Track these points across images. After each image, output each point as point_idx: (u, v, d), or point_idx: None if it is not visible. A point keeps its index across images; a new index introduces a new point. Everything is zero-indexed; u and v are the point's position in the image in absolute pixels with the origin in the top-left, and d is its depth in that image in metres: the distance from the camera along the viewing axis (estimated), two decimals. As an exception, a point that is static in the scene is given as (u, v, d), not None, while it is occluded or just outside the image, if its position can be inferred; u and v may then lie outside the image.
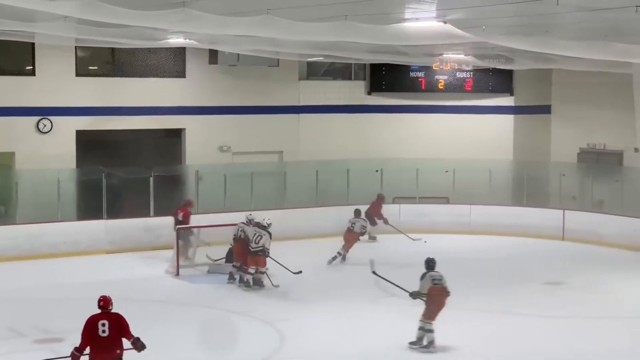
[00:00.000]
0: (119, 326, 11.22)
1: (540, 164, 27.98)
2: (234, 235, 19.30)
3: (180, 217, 20.87)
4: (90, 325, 11.17)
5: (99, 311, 11.31)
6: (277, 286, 18.52)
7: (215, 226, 20.34)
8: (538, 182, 27.04)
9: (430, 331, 14.41)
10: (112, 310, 11.31)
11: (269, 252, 18.40)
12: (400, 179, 26.36)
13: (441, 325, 15.53)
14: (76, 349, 11.24)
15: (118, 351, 11.17)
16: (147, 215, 23.11)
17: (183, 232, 20.14)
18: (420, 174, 26.05)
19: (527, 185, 26.30)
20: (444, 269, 20.68)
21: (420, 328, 14.47)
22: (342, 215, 23.85)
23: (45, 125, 24.39)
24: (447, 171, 26.20)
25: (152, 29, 17.33)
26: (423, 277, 14.60)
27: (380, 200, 24.81)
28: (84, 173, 24.23)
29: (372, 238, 24.27)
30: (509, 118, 28.92)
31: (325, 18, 14.92)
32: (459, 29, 15.16)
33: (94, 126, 25.10)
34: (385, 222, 24.35)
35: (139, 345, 11.31)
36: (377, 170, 26.12)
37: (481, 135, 28.68)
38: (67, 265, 20.40)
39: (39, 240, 21.54)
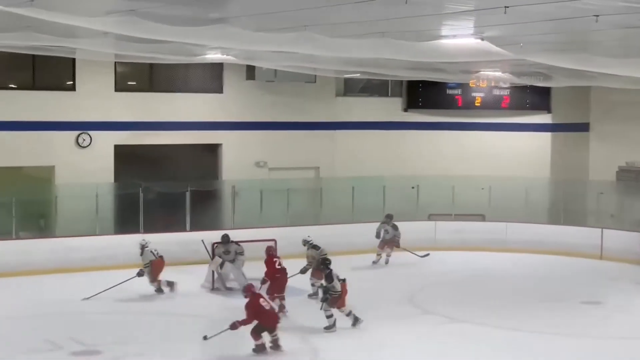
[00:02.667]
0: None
1: (578, 182, 27.73)
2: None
3: None
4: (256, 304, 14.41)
5: None
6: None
7: (252, 241, 20.35)
8: (576, 201, 26.82)
9: (350, 312, 16.51)
10: None
11: None
12: (436, 196, 26.25)
13: (476, 344, 15.51)
14: (239, 322, 14.55)
15: None
16: (183, 230, 23.21)
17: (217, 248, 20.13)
18: (456, 191, 25.93)
19: (565, 204, 26.08)
20: (479, 287, 20.76)
21: (348, 314, 16.46)
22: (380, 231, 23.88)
23: (84, 140, 24.63)
24: (483, 188, 26.05)
25: (190, 45, 17.45)
26: (330, 277, 16.32)
27: None
28: (121, 187, 24.43)
29: None
30: (547, 136, 28.76)
31: (363, 35, 14.94)
32: (497, 46, 15.10)
33: (132, 141, 25.31)
34: None
35: None
36: (413, 187, 26.04)
37: (518, 153, 28.54)
38: (104, 278, 20.48)
39: (78, 253, 21.68)
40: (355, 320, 16.47)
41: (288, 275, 17.97)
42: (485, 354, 15.20)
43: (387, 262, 23.15)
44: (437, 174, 26.96)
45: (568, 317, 17.79)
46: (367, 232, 23.94)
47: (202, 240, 20.32)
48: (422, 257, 23.09)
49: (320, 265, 17.19)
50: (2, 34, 16.50)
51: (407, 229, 24.84)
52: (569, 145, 28.89)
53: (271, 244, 18.96)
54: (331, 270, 16.45)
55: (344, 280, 16.41)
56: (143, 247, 19.36)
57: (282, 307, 17.27)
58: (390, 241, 23.16)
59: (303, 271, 18.95)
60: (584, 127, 29.03)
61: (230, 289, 19.76)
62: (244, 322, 14.50)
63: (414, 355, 15.17)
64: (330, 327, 16.25)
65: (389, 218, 23.24)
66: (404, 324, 17.13)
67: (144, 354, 14.75)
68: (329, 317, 16.27)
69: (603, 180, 27.19)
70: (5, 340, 15.59)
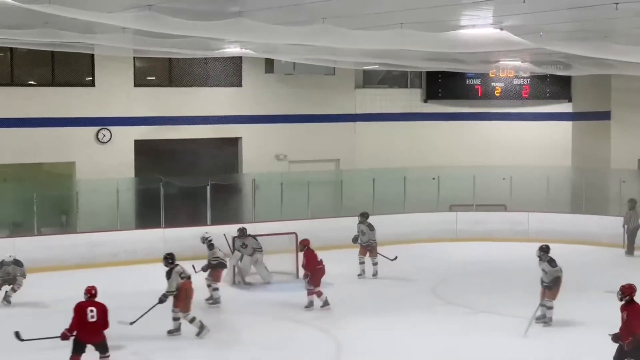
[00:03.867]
0: (104, 313, 13.16)
1: (599, 171, 27.58)
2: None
3: None
4: (80, 311, 13.13)
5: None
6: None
7: (272, 235, 20.39)
8: (597, 190, 26.62)
9: (194, 319, 15.52)
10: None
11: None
12: (457, 187, 26.20)
13: (498, 334, 15.46)
14: (67, 329, 13.10)
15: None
16: (204, 224, 23.21)
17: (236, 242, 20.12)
18: (477, 182, 25.87)
19: (586, 193, 25.90)
20: (501, 277, 20.69)
21: (191, 321, 15.55)
22: (400, 223, 23.87)
23: (104, 135, 24.68)
24: (504, 178, 25.99)
25: (208, 39, 17.45)
26: (169, 274, 15.49)
27: None
28: (142, 182, 24.47)
29: None
30: (567, 125, 28.60)
31: (381, 26, 14.89)
32: (516, 35, 15.03)
33: (152, 136, 25.35)
34: None
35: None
36: (433, 178, 25.97)
37: (539, 142, 28.40)
38: (126, 273, 20.56)
39: (99, 249, 21.80)
40: (201, 329, 15.51)
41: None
42: (507, 343, 15.16)
43: (375, 274, 20.52)
44: (457, 164, 26.91)
45: (591, 307, 17.66)
46: (388, 224, 23.90)
47: (225, 235, 20.31)
48: (392, 260, 20.58)
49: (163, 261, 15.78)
50: (21, 31, 16.56)
51: (429, 220, 25.00)
52: (590, 134, 28.74)
53: (306, 237, 18.15)
54: (172, 267, 15.52)
55: (188, 277, 15.64)
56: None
57: (326, 303, 17.28)
58: (367, 245, 20.63)
59: (204, 269, 18.17)
60: (605, 116, 28.85)
61: (249, 284, 19.75)
62: (70, 330, 13.15)
63: (437, 344, 15.16)
64: (172, 331, 15.65)
65: (364, 217, 20.75)
66: (427, 314, 17.16)
67: (165, 348, 14.79)
68: (175, 319, 15.60)
69: (625, 168, 27.06)
70: (27, 335, 15.63)
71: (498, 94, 28.64)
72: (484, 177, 25.94)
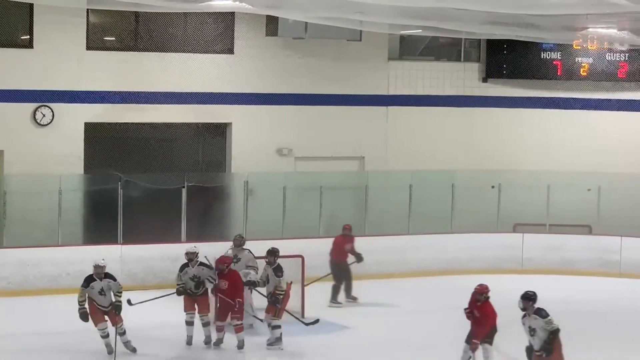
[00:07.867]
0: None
1: None
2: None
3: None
4: None
5: None
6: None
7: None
8: None
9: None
10: None
11: None
12: (525, 199, 26.25)
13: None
14: None
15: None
16: (178, 240, 23.23)
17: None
18: (552, 193, 25.83)
19: None
20: (582, 323, 20.56)
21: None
22: (445, 247, 23.79)
23: (44, 116, 24.65)
24: (589, 189, 26.00)
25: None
26: (281, 271, 17.90)
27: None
28: (94, 181, 24.50)
29: None
30: (679, 117, 28.63)
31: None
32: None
33: (109, 118, 25.35)
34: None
35: None
36: (493, 186, 26.00)
37: (638, 141, 28.32)
38: (70, 305, 20.49)
39: (33, 270, 21.74)
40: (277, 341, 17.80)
41: None
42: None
43: (272, 343, 18.27)
44: (526, 168, 26.91)
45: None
46: (428, 247, 24.01)
47: (205, 257, 19.88)
48: (307, 325, 19.05)
49: None
50: None
51: (485, 244, 24.94)
52: None
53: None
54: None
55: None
56: None
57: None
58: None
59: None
60: None
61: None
62: None
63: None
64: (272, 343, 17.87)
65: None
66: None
67: None
68: (274, 327, 17.88)
69: None
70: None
71: (584, 74, 28.59)
72: (561, 186, 25.91)
